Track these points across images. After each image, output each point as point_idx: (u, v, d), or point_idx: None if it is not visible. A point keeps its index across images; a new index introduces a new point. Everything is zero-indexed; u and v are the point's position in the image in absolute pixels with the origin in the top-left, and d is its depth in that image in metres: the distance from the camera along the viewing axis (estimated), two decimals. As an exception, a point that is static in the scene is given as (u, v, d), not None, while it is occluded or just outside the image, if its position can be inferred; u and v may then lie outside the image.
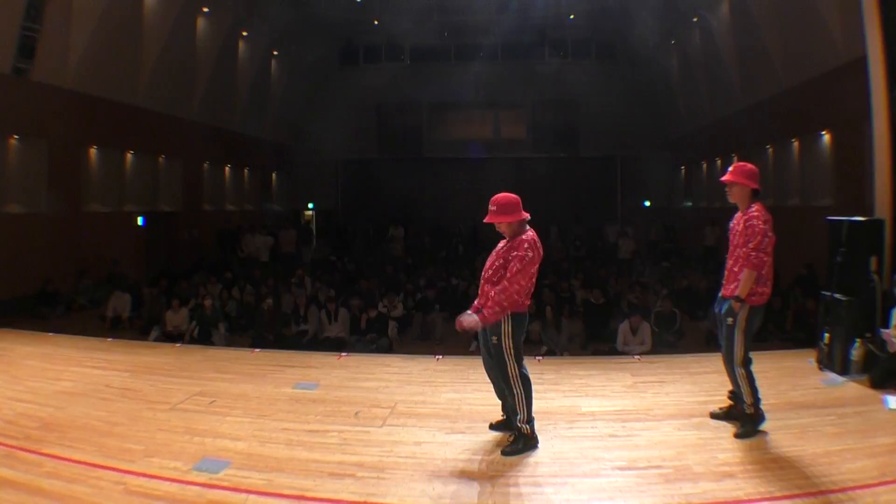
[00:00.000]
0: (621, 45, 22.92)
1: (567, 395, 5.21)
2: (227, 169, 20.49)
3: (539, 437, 4.07)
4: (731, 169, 4.31)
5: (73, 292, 12.61)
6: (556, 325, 9.41)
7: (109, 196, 14.79)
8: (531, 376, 4.07)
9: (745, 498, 3.34)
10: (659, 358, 6.79)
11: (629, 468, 3.73)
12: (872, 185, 6.53)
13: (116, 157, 15.16)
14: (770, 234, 4.12)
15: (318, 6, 19.38)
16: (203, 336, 9.65)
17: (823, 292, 6.04)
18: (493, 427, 4.29)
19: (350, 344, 9.41)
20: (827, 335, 5.71)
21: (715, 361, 4.89)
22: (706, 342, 8.60)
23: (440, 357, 6.60)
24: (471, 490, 3.52)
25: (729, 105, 17.05)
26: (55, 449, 3.98)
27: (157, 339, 9.69)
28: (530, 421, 4.02)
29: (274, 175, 24.05)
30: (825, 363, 5.71)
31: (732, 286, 4.22)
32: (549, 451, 4.00)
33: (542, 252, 4.03)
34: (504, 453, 3.94)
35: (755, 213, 4.15)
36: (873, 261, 5.73)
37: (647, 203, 23.71)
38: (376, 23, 22.38)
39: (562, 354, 8.68)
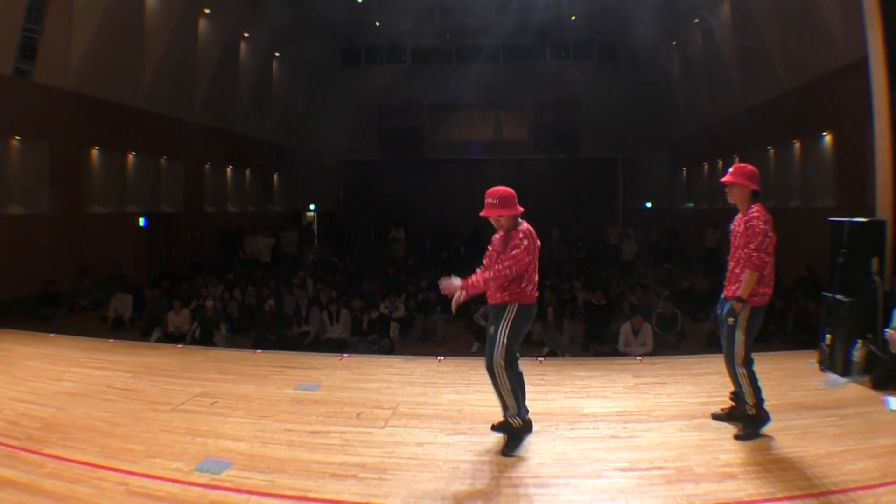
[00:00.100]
0: (622, 46, 22.87)
1: (569, 396, 5.21)
2: (228, 170, 20.52)
3: (541, 438, 4.05)
4: (731, 170, 4.31)
5: (74, 293, 12.60)
6: (558, 326, 9.41)
7: (111, 197, 14.82)
8: (531, 377, 4.07)
9: (747, 499, 3.34)
10: (660, 359, 6.78)
11: (631, 469, 3.73)
12: (874, 186, 6.54)
13: (118, 158, 15.18)
14: (771, 234, 4.13)
15: (319, 7, 19.35)
16: (205, 337, 9.67)
17: (825, 293, 6.04)
18: (494, 428, 4.28)
19: (352, 345, 9.41)
20: (828, 336, 5.71)
21: (716, 363, 4.89)
22: (708, 343, 8.59)
23: (442, 358, 6.61)
24: (473, 491, 3.52)
25: (730, 106, 17.03)
26: (57, 449, 3.98)
27: (158, 340, 9.68)
28: (519, 413, 4.05)
29: (275, 176, 24.08)
30: (826, 364, 5.72)
31: (734, 287, 4.22)
32: (550, 451, 4.01)
33: (538, 242, 4.08)
34: (504, 454, 3.95)
35: (755, 214, 4.15)
36: (875, 262, 5.73)
37: (649, 204, 23.71)
38: (377, 24, 22.38)
39: (563, 356, 8.69)
